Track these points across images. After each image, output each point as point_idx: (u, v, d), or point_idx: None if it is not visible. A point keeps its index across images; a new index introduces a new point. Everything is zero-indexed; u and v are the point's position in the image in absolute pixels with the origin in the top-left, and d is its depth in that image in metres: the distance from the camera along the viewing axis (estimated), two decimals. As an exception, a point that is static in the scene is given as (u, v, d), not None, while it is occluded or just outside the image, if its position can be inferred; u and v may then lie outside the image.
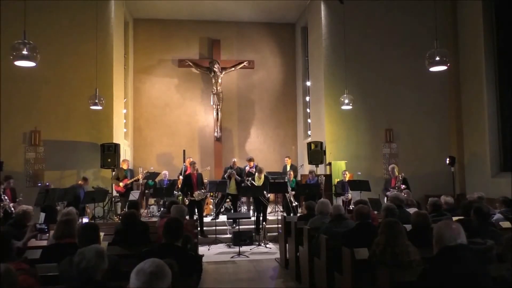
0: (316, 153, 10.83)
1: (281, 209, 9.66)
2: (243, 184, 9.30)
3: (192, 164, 9.15)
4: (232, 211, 9.65)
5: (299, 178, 11.11)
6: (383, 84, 11.31)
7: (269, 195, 9.14)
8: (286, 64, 14.20)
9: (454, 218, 4.52)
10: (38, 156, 10.23)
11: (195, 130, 13.57)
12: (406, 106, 11.36)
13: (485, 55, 10.36)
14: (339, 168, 10.42)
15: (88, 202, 8.51)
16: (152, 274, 1.92)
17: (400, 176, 8.81)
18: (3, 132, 9.75)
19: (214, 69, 13.00)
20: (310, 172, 10.14)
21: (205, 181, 9.53)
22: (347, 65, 10.59)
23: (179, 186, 9.90)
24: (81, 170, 10.24)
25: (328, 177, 10.44)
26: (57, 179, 10.00)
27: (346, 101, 9.72)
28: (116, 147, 10.01)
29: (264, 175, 9.33)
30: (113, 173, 9.92)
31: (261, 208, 8.94)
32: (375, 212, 6.11)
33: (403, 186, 8.66)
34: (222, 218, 9.42)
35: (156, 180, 10.73)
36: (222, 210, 10.07)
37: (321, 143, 10.95)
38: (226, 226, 9.16)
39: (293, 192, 9.51)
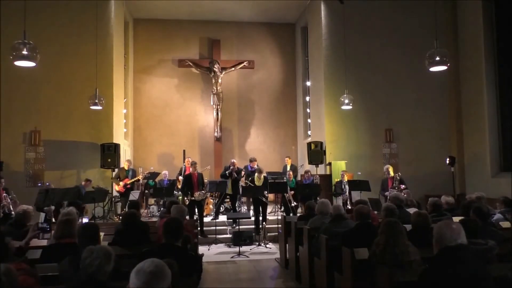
0: (316, 153, 10.83)
1: (281, 209, 9.66)
2: (227, 174, 9.47)
3: (193, 164, 9.15)
4: (232, 211, 9.66)
5: (299, 178, 11.11)
6: (383, 84, 11.31)
7: (267, 194, 9.13)
8: (286, 64, 14.20)
9: (455, 218, 4.53)
10: (38, 156, 10.23)
11: (195, 130, 13.57)
12: (406, 106, 11.36)
13: (485, 55, 10.36)
14: (339, 168, 10.42)
15: (88, 202, 8.52)
16: (152, 274, 1.92)
17: (396, 175, 8.81)
18: (3, 132, 9.74)
19: (214, 69, 13.00)
20: (306, 172, 10.12)
21: (205, 181, 9.53)
22: (347, 65, 10.58)
23: (178, 186, 9.91)
24: (81, 170, 10.24)
25: (328, 177, 10.44)
26: (57, 179, 9.99)
27: (346, 101, 9.72)
28: (116, 147, 10.00)
29: (264, 176, 9.34)
30: (114, 173, 9.92)
31: (260, 208, 8.94)
32: (375, 212, 6.11)
33: (403, 186, 8.66)
34: (222, 218, 9.42)
35: (156, 180, 10.73)
36: (222, 210, 10.07)
37: (321, 143, 10.95)
38: (226, 226, 9.15)
39: (292, 192, 9.51)
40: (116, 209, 9.88)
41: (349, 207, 9.02)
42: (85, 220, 7.77)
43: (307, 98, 13.20)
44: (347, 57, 10.71)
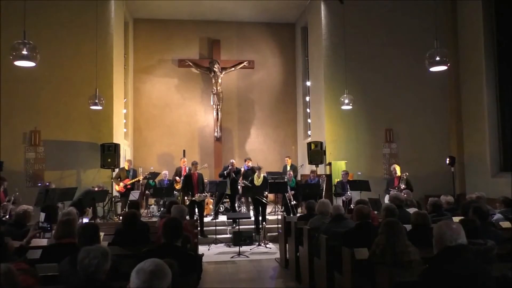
0: (316, 153, 10.83)
1: (281, 209, 9.66)
2: (225, 174, 9.55)
3: (194, 164, 9.15)
4: (231, 211, 9.67)
5: (299, 178, 11.13)
6: (383, 84, 11.31)
7: (266, 194, 9.13)
8: (286, 64, 14.20)
9: (455, 218, 4.53)
10: (38, 156, 10.23)
11: (195, 130, 13.58)
12: (406, 106, 11.36)
13: (485, 55, 10.36)
14: (339, 168, 10.42)
15: (88, 202, 8.51)
16: (152, 273, 1.92)
17: (403, 175, 8.79)
18: (3, 132, 9.75)
19: (214, 69, 13.00)
20: (312, 172, 10.13)
21: (205, 181, 9.53)
22: (347, 65, 10.59)
23: (176, 187, 9.91)
24: (81, 170, 10.24)
25: (328, 177, 10.44)
26: (57, 179, 9.99)
27: (346, 101, 9.72)
28: (116, 147, 10.00)
29: (264, 176, 9.34)
30: (114, 173, 9.92)
31: (259, 208, 8.94)
32: (375, 212, 6.11)
33: (403, 186, 8.66)
34: (222, 218, 9.42)
35: (156, 180, 10.73)
36: (222, 210, 10.07)
37: (321, 143, 10.95)
38: (226, 226, 9.15)
39: (292, 192, 9.52)
40: (116, 209, 9.88)
41: (352, 207, 9.02)
42: (85, 220, 7.76)
43: (307, 98, 13.20)
44: (347, 57, 10.72)
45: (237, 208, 10.10)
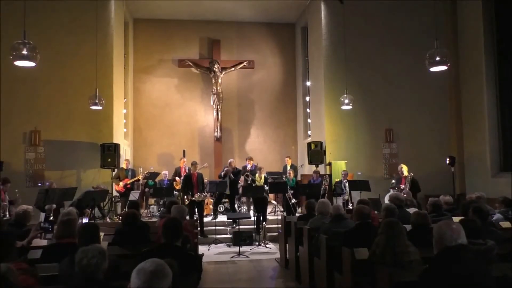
0: (316, 153, 10.84)
1: (281, 209, 9.67)
2: (222, 176, 9.49)
3: (193, 164, 9.15)
4: (231, 211, 9.67)
5: (299, 178, 11.12)
6: (383, 84, 11.31)
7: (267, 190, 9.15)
8: (286, 64, 14.20)
9: (455, 218, 4.53)
10: (38, 156, 10.23)
11: (195, 130, 13.57)
12: (406, 106, 11.36)
13: (485, 55, 10.36)
14: (339, 168, 10.42)
15: (88, 202, 8.50)
16: (152, 273, 1.92)
17: (409, 176, 8.78)
18: (3, 132, 9.75)
19: (214, 69, 13.00)
20: (315, 172, 10.10)
21: (205, 181, 9.54)
22: (347, 65, 10.59)
23: (175, 187, 9.91)
24: (81, 170, 10.24)
25: (328, 177, 10.42)
26: (57, 179, 9.99)
27: (346, 101, 9.72)
28: (116, 147, 10.01)
29: (264, 176, 9.35)
30: (113, 173, 9.92)
31: (260, 208, 8.95)
32: (375, 212, 6.11)
33: (403, 186, 8.65)
34: (222, 218, 9.42)
35: (156, 180, 10.73)
36: (222, 210, 10.08)
37: (321, 143, 10.95)
38: (226, 226, 9.15)
39: (292, 191, 9.52)
40: (116, 209, 9.88)
41: (350, 207, 9.03)
42: (85, 220, 7.76)
43: (307, 98, 13.20)
44: (347, 57, 10.72)
45: (237, 208, 10.10)
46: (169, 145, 13.19)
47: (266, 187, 9.02)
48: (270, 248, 8.16)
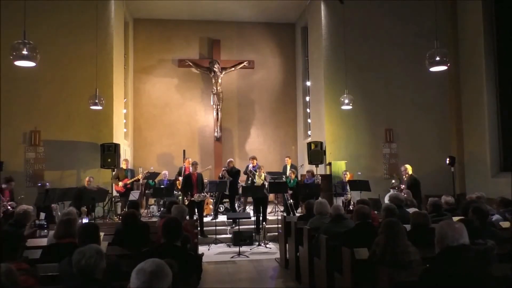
0: (316, 153, 10.83)
1: (281, 209, 9.67)
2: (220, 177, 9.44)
3: (194, 164, 9.15)
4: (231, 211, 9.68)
5: (299, 178, 11.12)
6: (383, 84, 11.31)
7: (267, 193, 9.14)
8: (286, 64, 14.20)
9: (455, 218, 4.52)
10: (38, 156, 10.23)
11: (195, 130, 13.57)
12: (406, 106, 11.36)
13: (485, 55, 10.36)
14: (339, 168, 10.42)
15: (88, 202, 8.52)
16: (152, 273, 1.92)
17: (405, 177, 8.78)
18: (3, 132, 9.74)
19: (214, 69, 13.00)
20: (308, 171, 10.13)
21: (205, 181, 9.54)
22: (347, 65, 10.59)
23: (178, 186, 9.91)
24: (81, 170, 10.24)
25: (328, 177, 10.43)
26: (57, 179, 9.99)
27: (346, 101, 9.72)
28: (116, 147, 10.01)
29: (264, 174, 9.35)
30: (113, 173, 9.92)
31: (260, 208, 8.95)
32: (375, 212, 6.11)
33: (403, 186, 8.65)
34: (222, 218, 9.42)
35: (156, 180, 10.73)
36: (222, 210, 10.07)
37: (321, 143, 10.95)
38: (226, 226, 9.15)
39: (290, 192, 9.52)
40: (116, 209, 9.88)
41: (351, 208, 9.01)
42: (85, 220, 7.77)
43: (307, 98, 13.20)
44: (347, 57, 10.72)
45: (237, 208, 10.10)
46: (169, 145, 13.19)
47: (266, 183, 8.99)
48: (270, 248, 8.16)
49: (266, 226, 8.74)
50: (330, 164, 10.77)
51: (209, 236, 8.70)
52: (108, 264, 2.59)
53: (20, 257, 2.85)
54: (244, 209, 10.00)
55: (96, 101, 9.00)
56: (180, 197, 9.32)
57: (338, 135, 11.09)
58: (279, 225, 7.75)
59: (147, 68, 13.51)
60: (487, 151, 10.27)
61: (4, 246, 2.74)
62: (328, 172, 10.77)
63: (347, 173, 9.96)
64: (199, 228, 8.49)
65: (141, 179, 10.02)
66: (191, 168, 9.14)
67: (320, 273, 4.83)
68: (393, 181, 9.45)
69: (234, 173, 9.82)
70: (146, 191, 10.63)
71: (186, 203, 8.54)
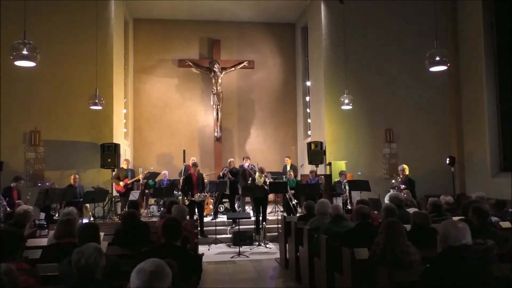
0: (316, 153, 10.84)
1: (281, 209, 9.67)
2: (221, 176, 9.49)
3: (194, 164, 9.15)
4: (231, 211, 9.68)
5: (299, 178, 11.12)
6: (383, 84, 11.32)
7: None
8: (286, 64, 14.20)
9: (455, 218, 4.52)
10: (38, 156, 10.23)
11: (195, 130, 13.58)
12: (406, 106, 11.36)
13: (485, 55, 10.36)
14: (339, 168, 10.42)
15: (88, 202, 8.52)
16: (152, 273, 1.92)
17: (400, 176, 8.78)
18: (3, 132, 9.75)
19: (214, 69, 13.00)
20: (311, 172, 10.13)
21: (205, 181, 9.54)
22: (347, 65, 10.59)
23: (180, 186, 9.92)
24: (81, 170, 10.24)
25: (328, 177, 10.43)
26: (57, 179, 9.98)
27: (346, 101, 9.72)
28: (116, 147, 10.00)
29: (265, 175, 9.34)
30: (113, 173, 9.92)
31: (260, 208, 8.95)
32: (375, 212, 6.11)
33: (403, 186, 8.65)
34: (222, 218, 9.42)
35: (156, 180, 10.73)
36: (222, 210, 10.07)
37: (321, 143, 10.95)
38: (226, 226, 9.15)
39: (292, 191, 9.53)
40: (116, 209, 9.88)
41: (349, 207, 9.02)
42: (85, 220, 7.77)
43: (307, 98, 13.20)
44: (347, 57, 10.72)
45: (237, 208, 10.10)
46: (169, 145, 13.19)
47: (267, 181, 9.00)
48: (270, 248, 8.16)
49: (266, 226, 8.74)
50: (330, 164, 10.77)
51: (209, 236, 8.70)
52: (108, 264, 2.58)
53: (20, 257, 2.85)
54: (243, 209, 9.99)
55: (96, 101, 9.00)
56: (180, 197, 9.31)
57: (338, 135, 11.10)
58: (279, 225, 7.75)
59: (147, 68, 13.51)
60: (487, 151, 10.28)
61: (4, 246, 2.74)
62: (328, 172, 10.77)
63: (345, 173, 9.91)
64: (199, 228, 8.49)
65: (141, 179, 10.02)
66: (192, 168, 9.14)
67: (320, 273, 4.83)
68: (393, 181, 9.43)
69: (235, 173, 9.82)
70: (146, 191, 10.63)
71: (187, 203, 8.55)
